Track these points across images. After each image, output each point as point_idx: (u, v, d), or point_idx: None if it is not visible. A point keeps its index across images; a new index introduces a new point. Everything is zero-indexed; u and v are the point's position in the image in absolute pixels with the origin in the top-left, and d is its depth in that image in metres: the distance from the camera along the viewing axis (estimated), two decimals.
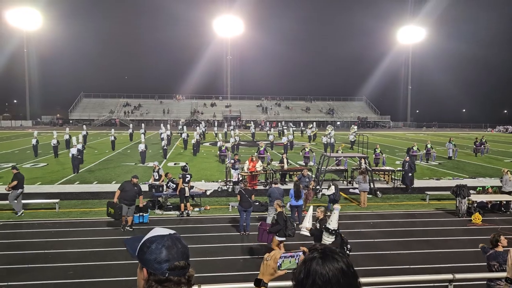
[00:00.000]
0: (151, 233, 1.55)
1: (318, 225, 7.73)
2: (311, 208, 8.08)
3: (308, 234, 7.90)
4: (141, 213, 11.43)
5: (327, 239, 7.37)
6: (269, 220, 11.06)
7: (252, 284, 1.75)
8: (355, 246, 9.73)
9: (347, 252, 7.41)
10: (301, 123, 56.79)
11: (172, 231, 1.55)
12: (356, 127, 28.55)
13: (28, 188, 15.80)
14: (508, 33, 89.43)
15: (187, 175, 12.51)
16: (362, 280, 1.50)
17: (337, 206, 7.84)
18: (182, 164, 14.95)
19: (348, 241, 7.67)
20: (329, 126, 29.28)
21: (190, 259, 1.55)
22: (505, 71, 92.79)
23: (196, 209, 13.00)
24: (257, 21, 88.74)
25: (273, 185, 11.64)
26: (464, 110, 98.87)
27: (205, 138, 40.63)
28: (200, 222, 11.71)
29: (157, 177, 14.11)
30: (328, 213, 12.51)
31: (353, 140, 31.15)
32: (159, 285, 1.46)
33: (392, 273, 7.89)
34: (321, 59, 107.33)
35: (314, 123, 52.62)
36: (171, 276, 1.45)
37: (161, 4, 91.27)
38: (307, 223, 7.89)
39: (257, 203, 12.69)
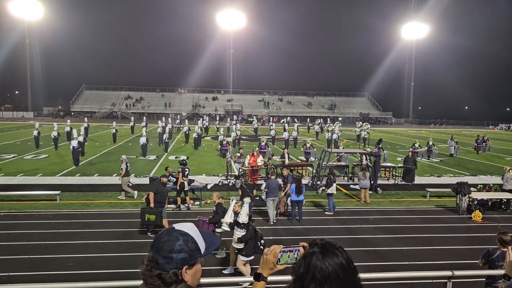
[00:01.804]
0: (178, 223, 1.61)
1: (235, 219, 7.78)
2: (233, 202, 8.03)
3: (228, 228, 7.92)
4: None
5: (237, 233, 7.40)
6: (271, 214, 11.12)
7: (251, 278, 1.75)
8: (355, 242, 9.76)
9: (261, 247, 7.44)
10: (308, 119, 55.06)
11: (181, 229, 1.53)
12: (368, 124, 28.06)
13: (29, 179, 15.91)
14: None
15: (186, 169, 12.56)
16: (362, 275, 1.50)
17: (246, 200, 7.77)
18: (184, 157, 14.96)
19: (263, 236, 7.65)
20: (337, 122, 29.12)
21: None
22: (509, 68, 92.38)
23: (197, 202, 13.03)
24: (259, 15, 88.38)
25: (271, 177, 11.71)
26: (466, 107, 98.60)
27: (208, 133, 40.64)
28: (200, 216, 11.71)
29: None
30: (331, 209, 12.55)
31: (365, 137, 30.75)
32: (142, 265, 1.54)
33: (391, 269, 7.91)
34: (324, 54, 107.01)
35: (328, 118, 52.30)
36: (147, 262, 1.51)
37: None
38: (228, 217, 7.86)
39: (258, 198, 12.70)
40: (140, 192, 14.08)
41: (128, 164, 13.77)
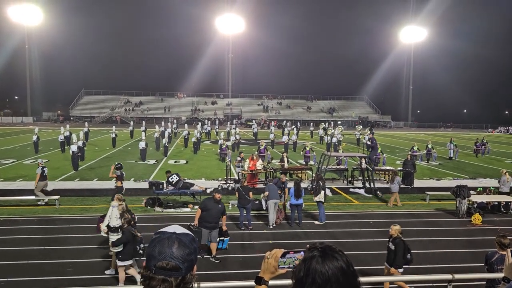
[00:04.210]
0: (162, 228, 1.56)
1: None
2: (110, 208, 7.78)
3: (104, 234, 7.84)
4: (221, 237, 9.11)
5: (111, 237, 7.32)
6: (271, 218, 11.09)
7: (252, 282, 1.75)
8: (355, 245, 9.74)
9: (140, 251, 7.35)
10: (311, 123, 53.51)
11: (182, 232, 1.52)
12: (372, 128, 27.76)
13: (28, 185, 15.86)
14: (510, 33, 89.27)
15: (122, 172, 12.87)
16: (362, 279, 1.50)
17: (113, 203, 7.63)
18: (183, 161, 14.92)
19: (142, 239, 7.46)
20: (339, 126, 29.05)
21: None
22: (507, 72, 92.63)
23: (196, 206, 12.98)
24: (258, 19, 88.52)
25: (270, 183, 11.68)
26: (465, 111, 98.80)
27: (210, 137, 40.60)
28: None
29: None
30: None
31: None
32: (146, 280, 1.46)
33: (391, 272, 7.89)
34: (322, 58, 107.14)
35: (332, 122, 51.81)
36: (157, 274, 1.44)
37: (163, 1, 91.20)
38: (106, 221, 7.64)
39: (257, 202, 12.70)
40: (138, 197, 14.06)
41: (45, 169, 13.36)
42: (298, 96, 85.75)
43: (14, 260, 8.40)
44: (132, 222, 7.81)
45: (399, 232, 7.11)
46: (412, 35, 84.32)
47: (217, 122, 50.67)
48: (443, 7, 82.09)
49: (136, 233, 7.46)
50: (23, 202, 13.06)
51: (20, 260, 8.39)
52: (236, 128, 37.71)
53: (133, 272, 7.42)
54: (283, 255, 1.70)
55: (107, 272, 7.89)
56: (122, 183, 12.63)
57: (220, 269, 8.17)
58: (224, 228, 9.17)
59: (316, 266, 1.43)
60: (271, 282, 1.76)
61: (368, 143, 16.39)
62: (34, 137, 25.81)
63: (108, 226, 7.44)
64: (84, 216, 11.85)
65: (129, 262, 7.31)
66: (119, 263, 7.24)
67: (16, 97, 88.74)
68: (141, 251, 7.40)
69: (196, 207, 12.75)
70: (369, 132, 16.99)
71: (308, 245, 1.58)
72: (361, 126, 26.03)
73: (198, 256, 1.51)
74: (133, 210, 12.52)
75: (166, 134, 28.41)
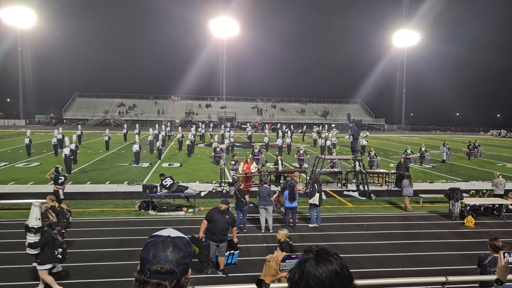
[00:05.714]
0: (157, 232, 1.54)
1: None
2: (32, 207, 7.57)
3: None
4: (231, 251, 8.52)
5: (30, 239, 7.13)
6: (263, 222, 11.07)
7: (248, 285, 1.75)
8: (349, 248, 9.76)
9: (58, 256, 7.16)
10: (304, 126, 53.20)
11: (176, 235, 1.50)
12: (367, 131, 27.78)
13: (20, 188, 15.73)
14: (502, 37, 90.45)
15: (60, 177, 12.66)
16: (358, 282, 1.50)
17: (35, 202, 7.50)
18: (177, 164, 14.86)
19: (62, 243, 7.25)
20: (334, 129, 29.09)
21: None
22: (499, 75, 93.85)
23: (190, 210, 12.96)
24: (253, 22, 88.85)
25: (265, 185, 11.65)
26: (457, 114, 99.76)
27: (204, 140, 40.52)
28: (194, 223, 11.65)
29: None
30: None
31: (365, 144, 30.24)
32: (140, 285, 1.44)
33: (384, 275, 7.91)
34: (316, 61, 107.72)
35: (326, 125, 51.67)
36: (151, 278, 1.42)
37: (157, 4, 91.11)
38: (32, 222, 7.41)
39: (252, 205, 12.67)
40: (132, 200, 13.99)
41: None
42: (292, 99, 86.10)
43: (6, 264, 8.30)
44: (53, 223, 7.54)
45: (286, 237, 7.09)
46: (405, 39, 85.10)
47: (211, 125, 50.60)
48: (436, 12, 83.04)
49: (58, 237, 7.23)
50: (15, 206, 12.91)
51: (12, 264, 8.29)
52: (230, 131, 37.68)
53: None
54: (284, 259, 1.70)
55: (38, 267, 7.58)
56: (57, 187, 12.43)
57: (215, 273, 8.14)
58: (235, 240, 8.56)
59: (310, 269, 1.43)
60: (272, 285, 1.76)
61: (349, 133, 16.58)
62: (26, 140, 25.63)
63: (26, 226, 7.23)
64: (77, 219, 11.72)
65: (49, 266, 7.13)
66: (39, 267, 7.03)
67: (8, 100, 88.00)
68: (59, 256, 7.17)
69: (191, 210, 12.84)
70: (349, 123, 17.25)
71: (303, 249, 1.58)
72: (367, 131, 26.12)
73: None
74: (127, 213, 12.50)
75: (160, 137, 28.29)
